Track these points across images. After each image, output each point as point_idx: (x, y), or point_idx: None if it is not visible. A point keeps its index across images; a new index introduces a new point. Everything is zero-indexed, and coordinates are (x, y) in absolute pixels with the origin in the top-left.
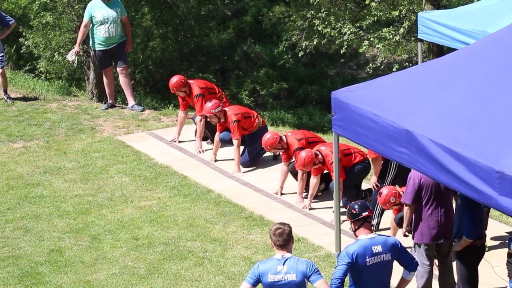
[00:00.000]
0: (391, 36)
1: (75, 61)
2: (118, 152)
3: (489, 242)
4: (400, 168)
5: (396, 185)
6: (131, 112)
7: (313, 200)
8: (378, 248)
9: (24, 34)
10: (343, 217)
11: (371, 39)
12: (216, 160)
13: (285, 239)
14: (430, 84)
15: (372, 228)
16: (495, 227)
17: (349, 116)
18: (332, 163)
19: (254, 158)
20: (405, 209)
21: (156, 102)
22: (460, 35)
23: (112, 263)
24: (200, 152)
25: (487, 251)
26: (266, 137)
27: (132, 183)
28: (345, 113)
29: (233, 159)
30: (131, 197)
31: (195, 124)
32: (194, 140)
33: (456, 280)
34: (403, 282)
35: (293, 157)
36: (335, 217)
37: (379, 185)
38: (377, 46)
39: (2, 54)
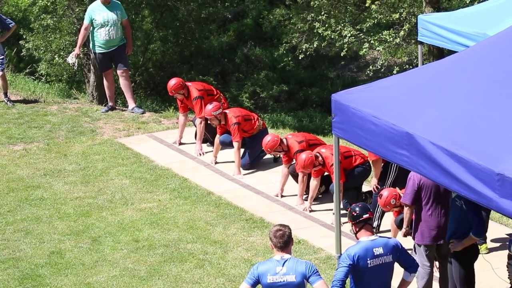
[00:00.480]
0: (391, 38)
1: (76, 64)
2: (119, 155)
3: (489, 244)
4: (400, 170)
5: (397, 187)
6: (131, 115)
7: (313, 202)
8: (379, 250)
9: (24, 37)
10: (344, 219)
11: (372, 41)
12: (216, 163)
13: (285, 241)
14: (431, 86)
15: (373, 230)
16: (495, 229)
17: (350, 118)
18: (332, 165)
19: (254, 160)
20: (405, 209)
21: (157, 105)
22: (460, 38)
23: (113, 265)
24: (200, 154)
25: (487, 253)
26: (267, 139)
27: (133, 186)
28: (345, 115)
29: (233, 162)
30: (132, 199)
31: (195, 126)
32: (195, 143)
33: (454, 281)
34: (403, 283)
35: (294, 159)
36: (335, 219)
37: (379, 187)
38: (377, 48)
39: (2, 56)
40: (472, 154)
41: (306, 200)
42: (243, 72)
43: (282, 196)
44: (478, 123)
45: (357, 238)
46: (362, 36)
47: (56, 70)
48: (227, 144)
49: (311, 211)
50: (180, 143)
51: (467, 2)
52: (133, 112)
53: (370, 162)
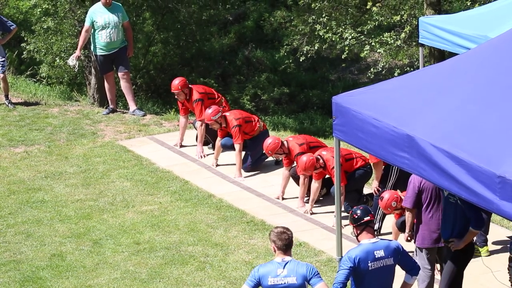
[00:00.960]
0: (392, 40)
1: (76, 66)
2: (120, 157)
3: (490, 247)
4: (401, 172)
5: (398, 190)
6: (132, 117)
7: (314, 205)
8: (380, 253)
9: (26, 39)
10: (345, 222)
11: (373, 44)
12: (217, 165)
13: (288, 243)
14: (432, 88)
15: (374, 232)
16: (496, 232)
17: (350, 121)
18: (333, 167)
19: (256, 162)
20: (407, 213)
21: (158, 107)
22: (461, 40)
23: (114, 267)
24: (201, 157)
25: (488, 255)
26: (268, 142)
27: (134, 188)
28: (346, 118)
29: (234, 164)
30: (133, 201)
31: (196, 129)
32: (195, 145)
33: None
34: (405, 286)
35: (295, 162)
36: (336, 222)
37: (380, 189)
38: (378, 51)
39: (3, 59)
40: (473, 157)
41: (307, 203)
42: (244, 74)
43: (283, 198)
44: (479, 125)
45: (358, 241)
46: (363, 38)
47: (57, 72)
48: (228, 147)
49: (312, 213)
50: (181, 146)
51: (468, 4)
52: (134, 115)
53: (372, 164)
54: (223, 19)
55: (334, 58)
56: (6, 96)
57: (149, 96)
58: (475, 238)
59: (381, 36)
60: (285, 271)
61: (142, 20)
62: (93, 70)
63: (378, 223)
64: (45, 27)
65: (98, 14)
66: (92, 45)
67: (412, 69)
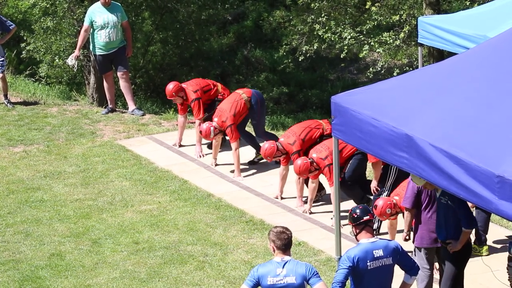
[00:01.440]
0: (391, 40)
1: (75, 66)
2: (119, 157)
3: (489, 246)
4: (400, 172)
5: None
6: (131, 117)
7: (313, 204)
8: (379, 252)
9: (25, 39)
10: (343, 221)
11: (372, 43)
12: (216, 165)
13: (288, 243)
14: (430, 88)
15: (374, 232)
16: (495, 231)
17: (349, 120)
18: (325, 166)
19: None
20: (405, 213)
21: (157, 107)
22: (460, 40)
23: (113, 267)
24: (200, 156)
25: (488, 255)
26: (264, 147)
27: (133, 187)
28: (345, 117)
29: (233, 163)
30: (132, 201)
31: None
32: (194, 145)
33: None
34: (404, 286)
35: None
36: (335, 221)
37: (379, 189)
38: (377, 50)
39: (2, 58)
40: (472, 156)
41: (306, 202)
42: (243, 74)
43: (282, 198)
44: (478, 125)
45: (357, 240)
46: (362, 38)
47: (56, 72)
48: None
49: (311, 213)
50: (180, 145)
51: (467, 4)
52: (133, 114)
53: (371, 164)
54: (222, 19)
55: (333, 58)
56: (5, 96)
57: (148, 96)
58: (473, 239)
59: (380, 36)
60: (284, 270)
61: (141, 20)
62: (92, 69)
63: (377, 223)
64: (44, 26)
65: (97, 14)
66: (91, 44)
67: (411, 69)
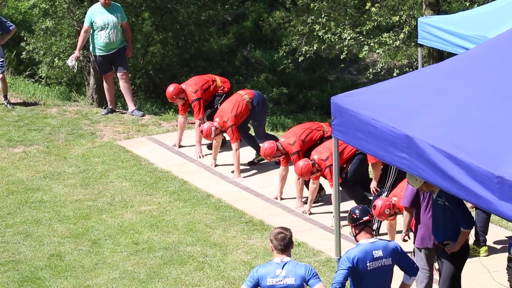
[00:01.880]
0: (391, 41)
1: (75, 66)
2: (118, 157)
3: (489, 247)
4: (400, 172)
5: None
6: (131, 117)
7: (313, 205)
8: (379, 253)
9: (25, 39)
10: (343, 222)
11: (371, 44)
12: (216, 165)
13: (286, 243)
14: (430, 89)
15: (373, 232)
16: (495, 232)
17: (349, 121)
18: (326, 167)
19: (242, 131)
20: (404, 213)
21: (156, 107)
22: (460, 40)
23: (112, 267)
24: (200, 157)
25: (487, 255)
26: (264, 147)
27: (132, 188)
28: (344, 118)
29: (232, 164)
30: (131, 202)
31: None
32: (194, 145)
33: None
34: (403, 286)
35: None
36: (335, 222)
37: (379, 189)
38: (377, 51)
39: (2, 59)
40: (472, 157)
41: (306, 203)
42: (243, 74)
43: (281, 198)
44: (477, 126)
45: (357, 241)
46: (362, 39)
47: (56, 72)
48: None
49: (310, 213)
50: (180, 146)
51: (467, 5)
52: (133, 115)
53: (370, 164)
54: (222, 20)
55: (333, 59)
56: (5, 96)
57: (148, 97)
58: (471, 240)
59: (380, 37)
60: (284, 271)
61: (141, 21)
62: (92, 70)
63: (376, 223)
64: (43, 27)
65: (97, 15)
66: (91, 45)
67: (411, 70)
